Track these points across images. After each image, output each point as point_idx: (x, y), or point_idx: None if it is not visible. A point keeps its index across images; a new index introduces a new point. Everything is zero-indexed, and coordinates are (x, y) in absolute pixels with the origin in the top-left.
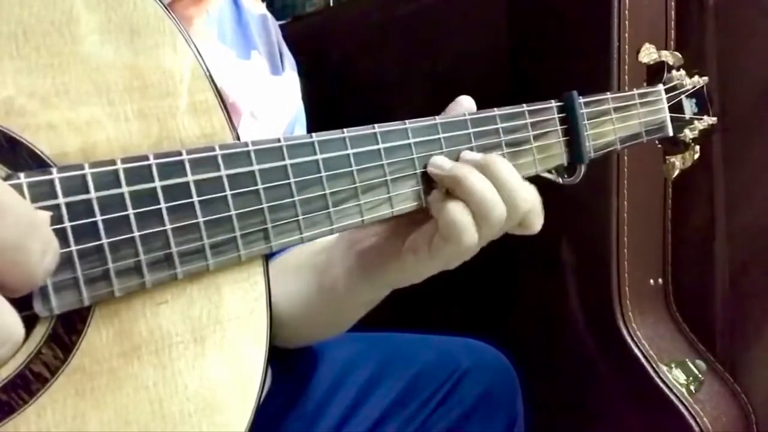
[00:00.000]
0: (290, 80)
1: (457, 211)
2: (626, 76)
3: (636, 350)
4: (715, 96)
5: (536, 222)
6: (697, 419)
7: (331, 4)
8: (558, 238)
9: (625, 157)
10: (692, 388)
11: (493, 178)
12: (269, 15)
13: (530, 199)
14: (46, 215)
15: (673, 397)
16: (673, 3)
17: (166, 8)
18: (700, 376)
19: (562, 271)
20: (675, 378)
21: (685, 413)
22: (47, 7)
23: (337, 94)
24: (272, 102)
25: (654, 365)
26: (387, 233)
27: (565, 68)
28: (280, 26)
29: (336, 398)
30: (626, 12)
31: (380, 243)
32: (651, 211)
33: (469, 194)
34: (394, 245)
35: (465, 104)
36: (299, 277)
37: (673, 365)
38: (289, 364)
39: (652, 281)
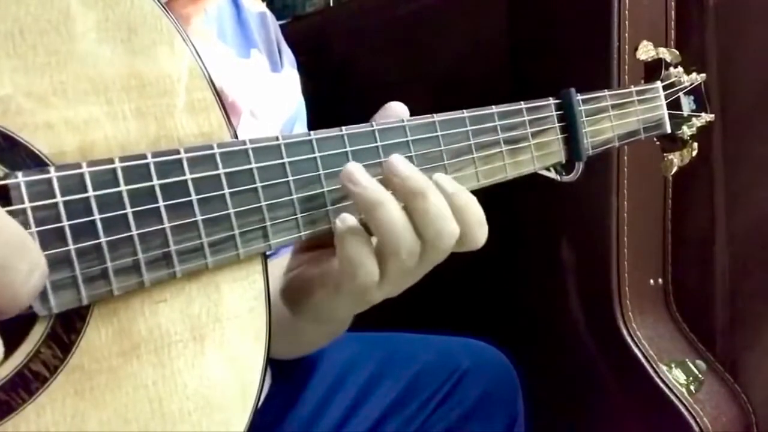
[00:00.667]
0: (289, 77)
1: (352, 245)
2: (626, 76)
3: (636, 350)
4: (715, 96)
5: (475, 243)
6: (697, 419)
7: (331, 4)
8: (558, 238)
9: (625, 157)
10: (692, 388)
11: (417, 213)
12: (268, 12)
13: (455, 234)
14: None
15: (673, 397)
16: (673, 3)
17: (163, 7)
18: (700, 376)
19: (562, 271)
20: (675, 378)
21: (685, 413)
22: (44, 5)
23: (337, 94)
24: (272, 100)
25: (654, 365)
26: (309, 264)
27: (565, 68)
28: (280, 26)
29: (336, 398)
30: (626, 12)
31: (302, 275)
32: (651, 211)
33: (378, 226)
34: (311, 279)
35: (396, 109)
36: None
37: (673, 365)
38: (289, 364)
39: (652, 281)
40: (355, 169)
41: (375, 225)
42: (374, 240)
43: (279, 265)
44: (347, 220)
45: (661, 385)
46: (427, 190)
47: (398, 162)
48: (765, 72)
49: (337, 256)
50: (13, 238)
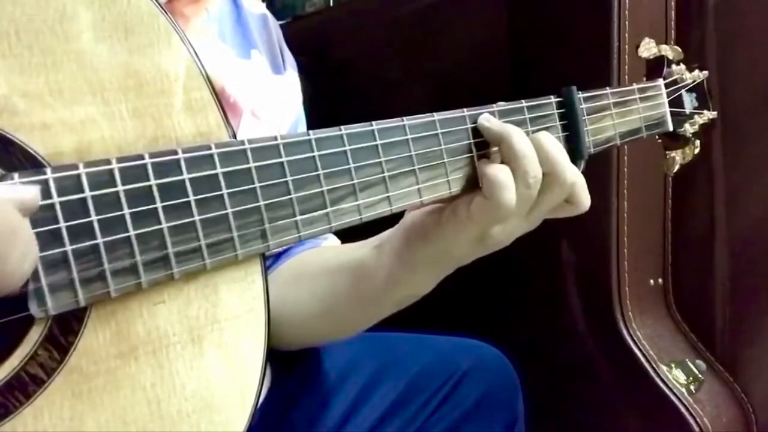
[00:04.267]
0: (292, 80)
1: (498, 169)
2: (626, 76)
3: (636, 350)
4: (715, 95)
5: (584, 197)
6: (697, 419)
7: (331, 4)
8: (558, 238)
9: (625, 157)
10: (692, 388)
11: (538, 147)
12: (269, 14)
13: (575, 171)
14: (35, 192)
15: (673, 397)
16: (672, 2)
17: (160, 6)
18: (700, 376)
19: (562, 271)
20: (675, 378)
21: (685, 413)
22: (40, 5)
23: (338, 94)
24: (274, 101)
25: (654, 365)
26: (430, 209)
27: (566, 67)
28: (280, 26)
29: (336, 399)
30: (626, 12)
31: (422, 218)
32: (651, 211)
33: (509, 148)
34: (434, 217)
35: None
36: (328, 277)
37: (673, 365)
38: (289, 365)
39: (652, 281)
40: (488, 115)
41: (507, 148)
42: None
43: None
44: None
45: (661, 385)
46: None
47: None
48: (765, 72)
49: (481, 182)
50: (8, 226)
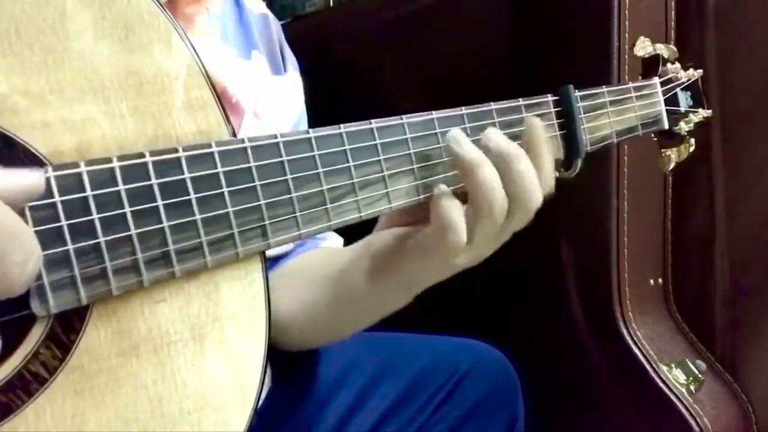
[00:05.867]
0: (293, 81)
1: (446, 205)
2: (626, 76)
3: (636, 350)
4: (715, 96)
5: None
6: (697, 419)
7: (331, 4)
8: (558, 239)
9: (625, 157)
10: (692, 388)
11: (513, 174)
12: (270, 14)
13: (540, 197)
14: (39, 180)
15: (673, 397)
16: (672, 2)
17: (160, 5)
18: (700, 376)
19: (562, 272)
20: (675, 378)
21: (685, 413)
22: (40, 3)
23: (337, 94)
24: (274, 102)
25: (654, 365)
26: (396, 239)
27: (566, 68)
28: (281, 26)
29: (336, 399)
30: (626, 12)
31: (394, 243)
32: (651, 211)
33: (477, 185)
34: (399, 246)
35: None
36: (313, 286)
37: (673, 365)
38: (289, 365)
39: (652, 281)
40: (459, 134)
41: (473, 184)
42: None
43: (332, 250)
44: (443, 188)
45: (661, 385)
46: (524, 155)
47: (496, 132)
48: (765, 72)
49: (431, 218)
50: (9, 229)
